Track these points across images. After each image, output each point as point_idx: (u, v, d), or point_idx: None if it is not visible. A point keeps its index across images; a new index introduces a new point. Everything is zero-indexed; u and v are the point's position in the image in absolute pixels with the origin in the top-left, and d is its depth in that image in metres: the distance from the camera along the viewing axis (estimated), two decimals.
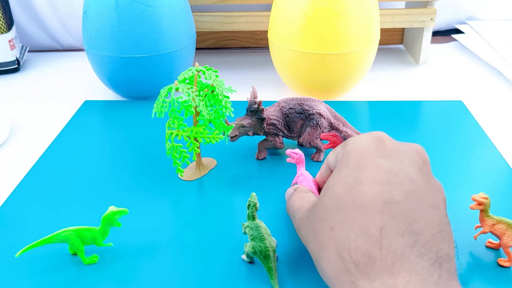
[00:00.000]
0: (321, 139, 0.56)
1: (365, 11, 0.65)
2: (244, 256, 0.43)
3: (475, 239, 0.44)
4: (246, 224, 0.42)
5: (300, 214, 0.39)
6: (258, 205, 0.42)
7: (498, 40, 0.92)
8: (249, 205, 0.42)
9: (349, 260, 0.31)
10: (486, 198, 0.42)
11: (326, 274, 0.33)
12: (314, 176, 0.50)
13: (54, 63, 0.92)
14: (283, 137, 0.58)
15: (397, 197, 0.32)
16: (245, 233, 0.42)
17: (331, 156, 0.40)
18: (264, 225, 0.42)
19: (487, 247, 0.44)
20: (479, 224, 0.43)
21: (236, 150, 0.60)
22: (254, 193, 0.42)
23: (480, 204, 0.42)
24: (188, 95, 0.49)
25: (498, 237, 0.42)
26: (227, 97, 0.52)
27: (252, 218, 0.41)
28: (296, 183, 0.50)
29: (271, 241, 0.41)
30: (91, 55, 0.70)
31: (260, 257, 0.40)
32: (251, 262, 0.43)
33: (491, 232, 0.42)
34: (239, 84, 0.77)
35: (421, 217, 0.32)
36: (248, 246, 0.41)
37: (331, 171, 0.41)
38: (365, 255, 0.31)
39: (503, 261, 0.42)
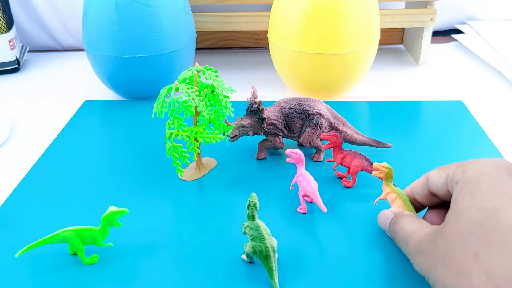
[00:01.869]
0: (321, 139, 0.56)
1: (365, 11, 0.65)
2: (244, 256, 0.43)
3: (375, 204, 0.49)
4: (246, 224, 0.42)
5: (419, 238, 0.37)
6: (258, 205, 0.42)
7: (498, 40, 0.92)
8: (249, 205, 0.41)
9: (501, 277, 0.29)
10: (386, 168, 0.46)
11: None
12: (314, 176, 0.50)
13: (54, 63, 0.92)
14: (283, 137, 0.58)
15: None
16: (245, 233, 0.42)
17: (436, 176, 0.38)
18: (264, 225, 0.41)
19: None
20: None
21: (236, 150, 0.60)
22: (254, 193, 0.42)
23: (380, 172, 0.46)
24: (188, 95, 0.49)
25: (390, 203, 0.46)
26: (227, 97, 0.52)
27: (252, 218, 0.41)
28: (296, 183, 0.50)
29: (271, 241, 0.41)
30: (91, 55, 0.70)
31: (260, 257, 0.40)
32: (251, 262, 0.43)
33: (386, 199, 0.46)
34: (239, 84, 0.78)
35: None
36: (248, 246, 0.41)
37: (430, 192, 0.39)
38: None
39: None
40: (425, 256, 0.35)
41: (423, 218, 0.42)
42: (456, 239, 0.32)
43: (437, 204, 0.42)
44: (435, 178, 0.38)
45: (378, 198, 0.47)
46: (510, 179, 0.33)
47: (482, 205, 0.32)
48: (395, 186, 0.46)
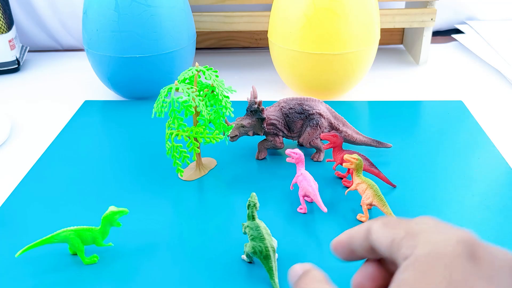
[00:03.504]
0: (321, 139, 0.56)
1: (365, 11, 0.65)
2: (244, 256, 0.43)
3: (345, 195, 0.50)
4: (246, 224, 0.42)
5: None
6: (258, 205, 0.42)
7: (498, 40, 0.92)
8: (249, 205, 0.41)
9: None
10: (356, 159, 0.47)
11: None
12: (314, 176, 0.50)
13: (54, 63, 0.92)
14: (283, 137, 0.58)
15: None
16: (245, 233, 0.42)
17: (382, 235, 0.29)
18: (264, 225, 0.41)
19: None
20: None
21: (236, 150, 0.60)
22: (254, 193, 0.42)
23: (351, 163, 0.48)
24: (188, 95, 0.49)
25: (360, 194, 0.47)
26: (227, 97, 0.52)
27: (252, 218, 0.41)
28: (296, 183, 0.50)
29: (271, 241, 0.41)
30: (91, 55, 0.70)
31: (260, 257, 0.40)
32: (251, 262, 0.43)
33: (356, 189, 0.48)
34: (239, 84, 0.78)
35: None
36: (248, 246, 0.41)
37: (371, 248, 0.30)
38: None
39: (359, 216, 0.48)
40: None
41: (356, 275, 0.32)
42: None
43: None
44: (379, 236, 0.30)
45: (348, 189, 0.49)
46: (470, 264, 0.25)
47: None
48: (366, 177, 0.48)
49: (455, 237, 0.26)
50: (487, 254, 0.25)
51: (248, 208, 0.42)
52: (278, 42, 0.69)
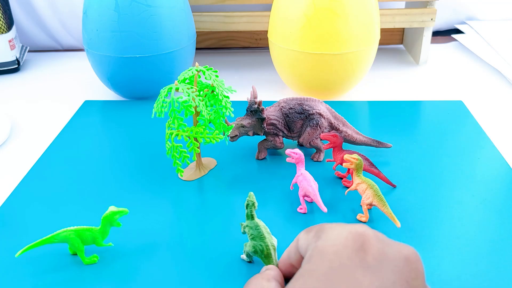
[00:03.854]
0: (321, 139, 0.56)
1: (365, 11, 0.65)
2: (243, 256, 0.43)
3: (345, 195, 0.50)
4: (245, 224, 0.42)
5: None
6: (256, 204, 0.41)
7: (498, 40, 0.92)
8: (247, 204, 0.41)
9: None
10: (356, 159, 0.47)
11: None
12: (314, 176, 0.50)
13: (54, 63, 0.92)
14: (283, 137, 0.58)
15: None
16: (244, 232, 0.42)
17: (303, 240, 0.32)
18: (263, 224, 0.41)
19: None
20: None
21: (236, 150, 0.60)
22: (251, 193, 0.41)
23: (351, 163, 0.48)
24: (188, 95, 0.49)
25: (360, 194, 0.47)
26: (227, 97, 0.52)
27: (251, 217, 0.41)
28: (296, 183, 0.50)
29: (272, 240, 0.41)
30: (91, 55, 0.70)
31: (261, 256, 0.40)
32: (250, 261, 0.43)
33: (356, 189, 0.48)
34: (239, 84, 0.78)
35: None
36: (248, 246, 0.41)
37: (301, 256, 0.32)
38: None
39: (359, 216, 0.48)
40: None
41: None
42: None
43: None
44: (302, 241, 0.32)
45: (348, 189, 0.49)
46: (357, 258, 0.27)
47: None
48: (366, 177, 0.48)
49: (348, 231, 0.28)
50: (376, 248, 0.27)
51: (246, 208, 0.41)
52: (278, 42, 0.69)
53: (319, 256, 0.28)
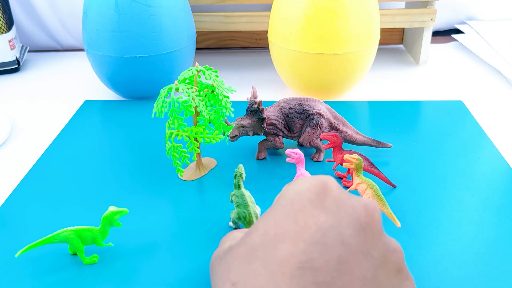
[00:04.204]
0: (321, 139, 0.56)
1: (365, 11, 0.65)
2: (231, 223, 0.46)
3: None
4: (232, 193, 0.46)
5: (216, 252, 0.32)
6: (244, 175, 0.46)
7: (498, 40, 0.92)
8: (235, 175, 0.46)
9: None
10: (356, 159, 0.47)
11: None
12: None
13: (54, 63, 0.92)
14: (283, 137, 0.58)
15: (317, 263, 0.26)
16: (231, 201, 0.46)
17: None
18: (249, 194, 0.46)
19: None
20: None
21: (236, 150, 0.60)
22: (241, 165, 0.46)
23: (351, 163, 0.48)
24: (188, 95, 0.49)
25: (360, 194, 0.47)
26: (227, 97, 0.52)
27: (238, 187, 0.46)
28: None
29: (255, 208, 0.45)
30: (91, 55, 0.70)
31: (244, 222, 0.44)
32: (236, 228, 0.46)
33: (356, 189, 0.48)
34: (239, 84, 0.78)
35: None
36: (233, 213, 0.46)
37: None
38: None
39: None
40: (211, 273, 0.32)
41: None
42: (229, 261, 0.29)
43: None
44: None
45: (348, 189, 0.49)
46: (317, 200, 0.28)
47: (266, 229, 0.28)
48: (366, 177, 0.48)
49: (312, 178, 0.30)
50: (336, 193, 0.29)
51: (235, 178, 0.46)
52: (278, 42, 0.69)
53: (282, 198, 0.30)
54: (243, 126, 0.56)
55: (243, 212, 0.44)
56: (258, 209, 0.45)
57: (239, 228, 0.46)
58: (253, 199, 0.45)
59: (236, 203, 0.45)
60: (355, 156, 0.48)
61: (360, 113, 0.69)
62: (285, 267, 0.26)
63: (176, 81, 0.50)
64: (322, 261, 0.26)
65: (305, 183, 0.30)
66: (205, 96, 0.52)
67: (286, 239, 0.27)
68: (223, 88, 0.52)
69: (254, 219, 0.44)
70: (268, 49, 0.77)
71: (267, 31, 0.75)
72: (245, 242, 0.29)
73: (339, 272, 0.26)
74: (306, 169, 0.50)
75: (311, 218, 0.27)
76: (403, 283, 0.29)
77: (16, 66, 0.86)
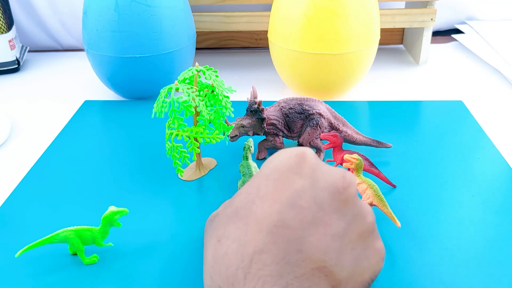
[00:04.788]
0: (321, 139, 0.56)
1: (365, 11, 0.65)
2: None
3: None
4: (241, 163, 0.51)
5: (210, 217, 0.36)
6: (252, 148, 0.52)
7: (498, 40, 0.92)
8: (244, 147, 0.52)
9: (216, 282, 0.29)
10: (356, 159, 0.47)
11: None
12: None
13: (54, 63, 0.92)
14: (283, 137, 0.58)
15: (291, 222, 0.29)
16: (239, 171, 0.51)
17: None
18: (255, 165, 0.51)
19: None
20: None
21: (236, 150, 0.60)
22: (251, 139, 0.53)
23: (351, 163, 0.48)
24: (188, 95, 0.49)
25: (360, 194, 0.48)
26: (227, 97, 0.52)
27: (246, 158, 0.51)
28: None
29: None
30: (91, 55, 0.70)
31: None
32: None
33: (357, 190, 0.48)
34: (239, 84, 0.78)
35: (312, 247, 0.29)
36: (240, 181, 0.50)
37: None
38: (229, 281, 0.28)
39: None
40: (204, 235, 0.36)
41: None
42: (217, 222, 0.33)
43: None
44: None
45: None
46: (295, 166, 0.31)
47: (249, 191, 0.32)
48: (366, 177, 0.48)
49: (292, 149, 0.33)
50: (314, 162, 0.32)
51: (243, 150, 0.52)
52: (278, 42, 0.69)
53: (265, 166, 0.33)
54: (243, 126, 0.56)
55: (248, 180, 0.47)
56: None
57: None
58: (258, 170, 0.48)
59: (242, 172, 0.50)
60: (355, 156, 0.48)
61: (360, 113, 0.69)
62: (262, 224, 0.29)
63: (176, 81, 0.50)
64: (296, 220, 0.29)
65: (286, 153, 0.33)
66: (205, 96, 0.52)
67: (265, 200, 0.30)
68: (223, 88, 0.52)
69: None
70: (268, 49, 0.77)
71: (267, 31, 0.75)
72: (231, 205, 0.33)
73: (311, 229, 0.29)
74: None
75: (288, 183, 0.31)
76: (375, 242, 0.32)
77: (16, 66, 0.86)
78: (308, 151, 0.33)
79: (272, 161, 0.33)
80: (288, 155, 0.32)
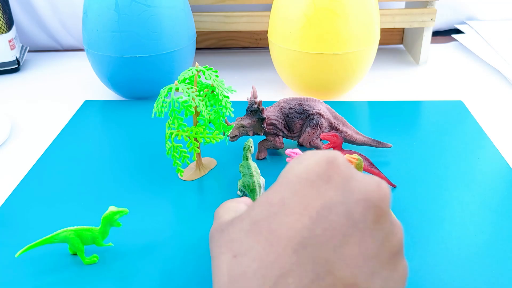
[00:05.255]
0: (321, 139, 0.56)
1: (365, 11, 0.65)
2: (238, 192, 0.51)
3: None
4: (241, 163, 0.51)
5: (217, 224, 0.32)
6: (252, 148, 0.52)
7: (498, 40, 0.92)
8: (244, 147, 0.52)
9: None
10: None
11: None
12: None
13: (54, 63, 0.92)
14: (283, 137, 0.58)
15: (320, 239, 0.26)
16: (239, 171, 0.51)
17: None
18: (255, 165, 0.51)
19: None
20: None
21: (236, 150, 0.60)
22: (251, 139, 0.53)
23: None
24: (188, 95, 0.49)
25: None
26: (227, 97, 0.52)
27: (246, 158, 0.51)
28: None
29: (259, 179, 0.49)
30: (91, 55, 0.70)
31: (248, 190, 0.48)
32: (245, 196, 0.49)
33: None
34: (239, 84, 0.78)
35: (343, 269, 0.25)
36: (240, 182, 0.50)
37: None
38: None
39: None
40: (212, 244, 0.31)
41: None
42: (232, 234, 0.29)
43: None
44: None
45: None
46: (325, 175, 0.28)
47: (271, 202, 0.28)
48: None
49: (323, 153, 0.29)
50: (344, 171, 0.28)
51: (243, 150, 0.52)
52: (278, 42, 0.69)
53: (288, 172, 0.29)
54: (243, 126, 0.56)
55: (248, 181, 0.49)
56: (262, 180, 0.50)
57: (246, 196, 0.49)
58: (258, 170, 0.50)
59: (242, 172, 0.50)
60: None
61: (360, 113, 0.69)
62: (287, 242, 0.26)
63: (176, 81, 0.50)
64: (325, 237, 0.26)
65: (313, 158, 0.29)
66: (205, 96, 0.52)
67: (290, 214, 0.26)
68: (223, 88, 0.52)
69: (257, 188, 0.48)
70: (268, 49, 0.77)
71: (267, 31, 0.75)
72: (249, 215, 0.28)
73: (342, 249, 0.26)
74: None
75: (317, 193, 0.27)
76: (401, 261, 0.29)
77: (16, 66, 0.86)
78: (339, 155, 0.29)
79: (297, 167, 0.29)
80: (317, 161, 0.28)
